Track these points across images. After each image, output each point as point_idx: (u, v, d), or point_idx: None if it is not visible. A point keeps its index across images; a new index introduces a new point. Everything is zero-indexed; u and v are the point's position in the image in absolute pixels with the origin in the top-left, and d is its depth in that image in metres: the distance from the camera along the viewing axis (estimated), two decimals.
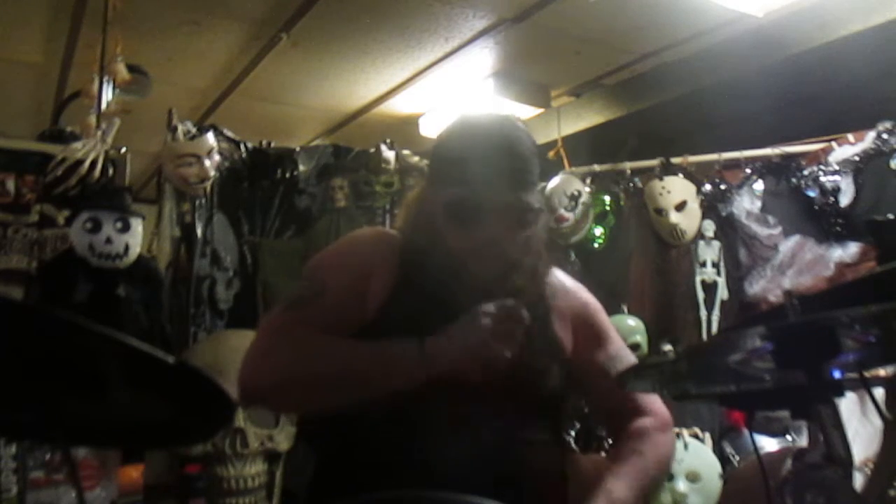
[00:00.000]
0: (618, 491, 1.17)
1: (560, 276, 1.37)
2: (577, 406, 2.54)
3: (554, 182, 3.28)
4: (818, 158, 2.99)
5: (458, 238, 1.18)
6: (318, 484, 1.25)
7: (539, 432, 1.24)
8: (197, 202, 2.82)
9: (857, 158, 2.89)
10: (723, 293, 3.01)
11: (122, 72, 2.85)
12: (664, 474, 1.33)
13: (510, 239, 1.18)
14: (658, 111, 3.89)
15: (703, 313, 3.00)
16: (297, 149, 3.13)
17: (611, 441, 1.35)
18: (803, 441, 2.30)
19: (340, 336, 1.17)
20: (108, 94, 2.82)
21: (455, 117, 1.28)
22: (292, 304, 1.22)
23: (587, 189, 3.24)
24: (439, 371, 1.08)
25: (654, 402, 1.33)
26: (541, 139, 4.28)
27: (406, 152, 3.21)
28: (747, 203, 3.05)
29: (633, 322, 2.94)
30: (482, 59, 3.75)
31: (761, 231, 3.01)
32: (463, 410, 1.12)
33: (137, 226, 2.51)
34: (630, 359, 1.36)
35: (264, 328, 1.23)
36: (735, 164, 3.14)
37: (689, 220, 3.05)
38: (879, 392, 1.46)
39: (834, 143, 2.98)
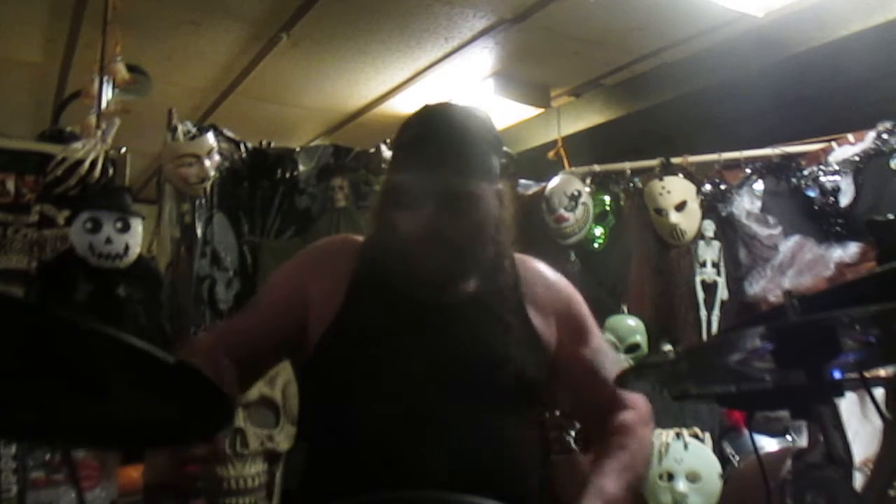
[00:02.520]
0: (608, 487, 1.17)
1: (541, 268, 1.35)
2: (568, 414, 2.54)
3: (554, 182, 3.28)
4: (818, 158, 2.99)
5: (397, 225, 1.17)
6: (314, 483, 1.25)
7: (519, 426, 1.23)
8: (197, 202, 2.82)
9: (857, 158, 2.89)
10: (723, 293, 3.01)
11: (122, 72, 2.85)
12: (648, 469, 1.34)
13: (450, 226, 1.15)
14: (658, 111, 3.89)
15: (703, 313, 3.00)
16: (297, 149, 3.13)
17: (589, 435, 1.35)
18: (803, 441, 2.30)
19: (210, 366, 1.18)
20: (108, 94, 2.82)
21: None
22: (231, 317, 1.29)
23: (587, 189, 3.24)
24: None
25: (634, 396, 1.33)
26: (541, 139, 4.29)
27: None
28: (747, 203, 3.05)
29: (633, 322, 2.94)
30: (482, 59, 3.75)
31: (761, 231, 3.00)
32: (440, 406, 1.12)
33: (137, 226, 2.51)
34: (610, 352, 1.38)
35: (205, 332, 1.29)
36: (735, 164, 3.14)
37: (689, 220, 3.04)
38: (879, 392, 1.46)
39: (834, 143, 2.98)
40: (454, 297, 1.20)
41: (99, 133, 2.65)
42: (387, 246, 1.19)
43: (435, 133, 1.17)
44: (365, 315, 1.19)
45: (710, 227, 3.07)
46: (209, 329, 1.30)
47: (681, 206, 3.04)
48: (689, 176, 3.11)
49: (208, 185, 2.81)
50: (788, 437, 2.56)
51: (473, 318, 1.20)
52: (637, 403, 1.32)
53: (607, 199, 3.27)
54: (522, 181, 3.53)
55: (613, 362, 1.34)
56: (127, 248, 2.47)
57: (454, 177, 1.15)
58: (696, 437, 2.56)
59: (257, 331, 1.26)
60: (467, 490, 1.00)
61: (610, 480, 1.18)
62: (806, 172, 2.99)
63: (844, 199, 2.88)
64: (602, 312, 2.71)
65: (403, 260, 1.17)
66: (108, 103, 2.82)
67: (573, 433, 2.54)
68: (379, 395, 1.14)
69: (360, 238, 1.33)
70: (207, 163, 2.76)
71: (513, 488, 1.15)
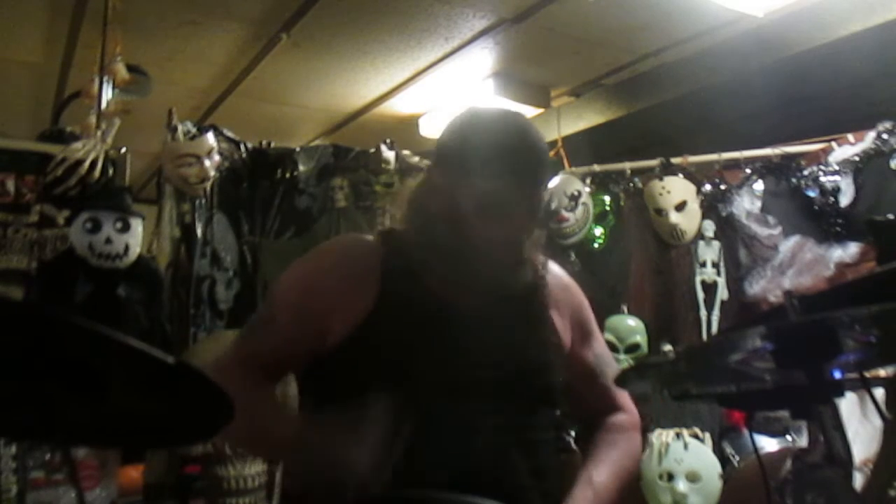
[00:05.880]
0: (598, 476, 1.21)
1: (557, 271, 1.37)
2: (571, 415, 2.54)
3: (554, 182, 3.28)
4: (818, 158, 2.99)
5: (483, 230, 1.16)
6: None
7: (542, 428, 1.24)
8: (197, 202, 2.82)
9: (857, 158, 2.89)
10: (723, 293, 3.01)
11: (122, 72, 2.84)
12: (635, 469, 1.39)
13: (524, 234, 1.19)
14: (658, 111, 3.89)
15: (703, 313, 3.00)
16: (297, 149, 3.13)
17: (584, 430, 1.39)
18: (803, 441, 2.30)
19: (262, 395, 1.19)
20: (108, 94, 2.82)
21: (463, 111, 1.26)
22: (245, 333, 1.25)
23: (587, 189, 3.24)
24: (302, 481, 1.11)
25: (628, 401, 1.38)
26: None
27: (406, 152, 3.21)
28: (747, 203, 3.05)
29: (633, 322, 2.94)
30: (482, 59, 3.75)
31: (761, 231, 3.01)
32: (463, 407, 1.12)
33: (137, 226, 2.51)
34: (611, 358, 1.41)
35: (222, 359, 1.23)
36: (735, 164, 3.14)
37: (689, 220, 3.05)
38: (879, 392, 1.46)
39: (834, 143, 2.98)
40: (493, 300, 1.20)
41: (99, 133, 2.65)
42: (453, 243, 1.17)
43: (508, 145, 1.17)
44: (398, 318, 1.17)
45: (710, 227, 3.07)
46: (234, 349, 1.24)
47: (681, 206, 3.04)
48: (689, 176, 3.11)
49: (208, 185, 2.81)
50: (788, 437, 2.56)
51: (508, 321, 1.22)
52: (629, 408, 1.37)
53: (607, 199, 3.27)
54: None
55: (613, 369, 1.38)
56: (127, 248, 2.47)
57: (524, 190, 1.17)
58: (696, 437, 2.56)
59: (291, 346, 1.21)
60: (488, 491, 1.00)
61: (601, 470, 1.23)
62: (806, 172, 2.99)
63: (844, 199, 2.88)
64: (602, 312, 2.71)
65: (455, 264, 1.17)
66: (108, 103, 2.81)
67: (573, 433, 2.54)
68: (406, 396, 1.13)
69: (369, 238, 1.31)
70: (207, 163, 2.76)
71: (536, 489, 1.16)
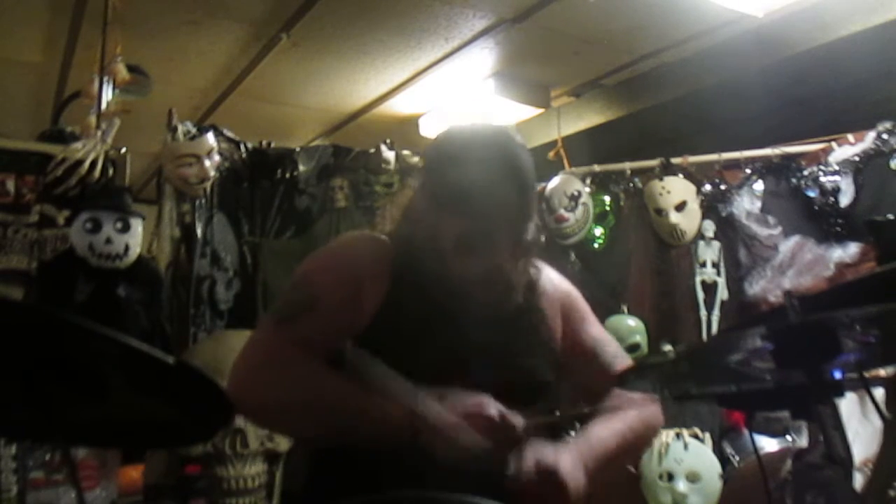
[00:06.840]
0: (597, 431, 1.21)
1: (548, 272, 1.38)
2: (577, 406, 2.54)
3: (554, 182, 3.27)
4: (818, 158, 2.99)
5: (463, 265, 1.17)
6: (314, 483, 1.25)
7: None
8: (197, 202, 2.82)
9: (857, 158, 2.89)
10: (723, 293, 3.01)
11: (122, 72, 2.85)
12: (649, 435, 1.36)
13: (514, 264, 1.20)
14: (658, 111, 3.89)
15: (703, 313, 3.00)
16: (297, 149, 3.13)
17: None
18: (803, 441, 2.30)
19: (335, 372, 1.15)
20: (108, 94, 2.82)
21: (450, 131, 1.26)
22: (285, 318, 1.19)
23: (587, 189, 3.24)
24: (424, 440, 1.08)
25: None
26: (541, 139, 4.29)
27: (406, 152, 3.22)
28: (747, 203, 3.05)
29: (633, 322, 2.94)
30: (482, 59, 3.75)
31: (761, 231, 3.00)
32: None
33: (137, 226, 2.51)
34: (612, 341, 1.39)
35: (258, 340, 1.20)
36: (735, 164, 3.13)
37: (689, 221, 3.04)
38: (879, 392, 1.46)
39: (834, 143, 2.98)
40: (492, 308, 1.20)
41: (99, 133, 2.65)
42: (439, 272, 1.18)
43: (504, 172, 1.17)
44: (401, 326, 1.18)
45: (710, 228, 3.07)
46: (278, 334, 1.19)
47: (681, 207, 3.04)
48: (689, 176, 3.11)
49: (208, 185, 2.81)
50: (788, 437, 2.56)
51: (501, 336, 1.22)
52: None
53: (607, 199, 3.27)
54: None
55: (615, 351, 1.37)
56: (127, 248, 2.47)
57: (525, 219, 1.19)
58: (696, 437, 2.56)
59: (337, 330, 1.21)
60: (487, 490, 1.01)
61: (599, 427, 1.23)
62: (806, 172, 2.98)
63: (844, 199, 2.88)
64: (602, 312, 2.71)
65: (457, 286, 1.17)
66: (108, 103, 2.81)
67: (573, 433, 2.54)
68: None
69: (383, 238, 1.30)
70: (207, 163, 2.76)
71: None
